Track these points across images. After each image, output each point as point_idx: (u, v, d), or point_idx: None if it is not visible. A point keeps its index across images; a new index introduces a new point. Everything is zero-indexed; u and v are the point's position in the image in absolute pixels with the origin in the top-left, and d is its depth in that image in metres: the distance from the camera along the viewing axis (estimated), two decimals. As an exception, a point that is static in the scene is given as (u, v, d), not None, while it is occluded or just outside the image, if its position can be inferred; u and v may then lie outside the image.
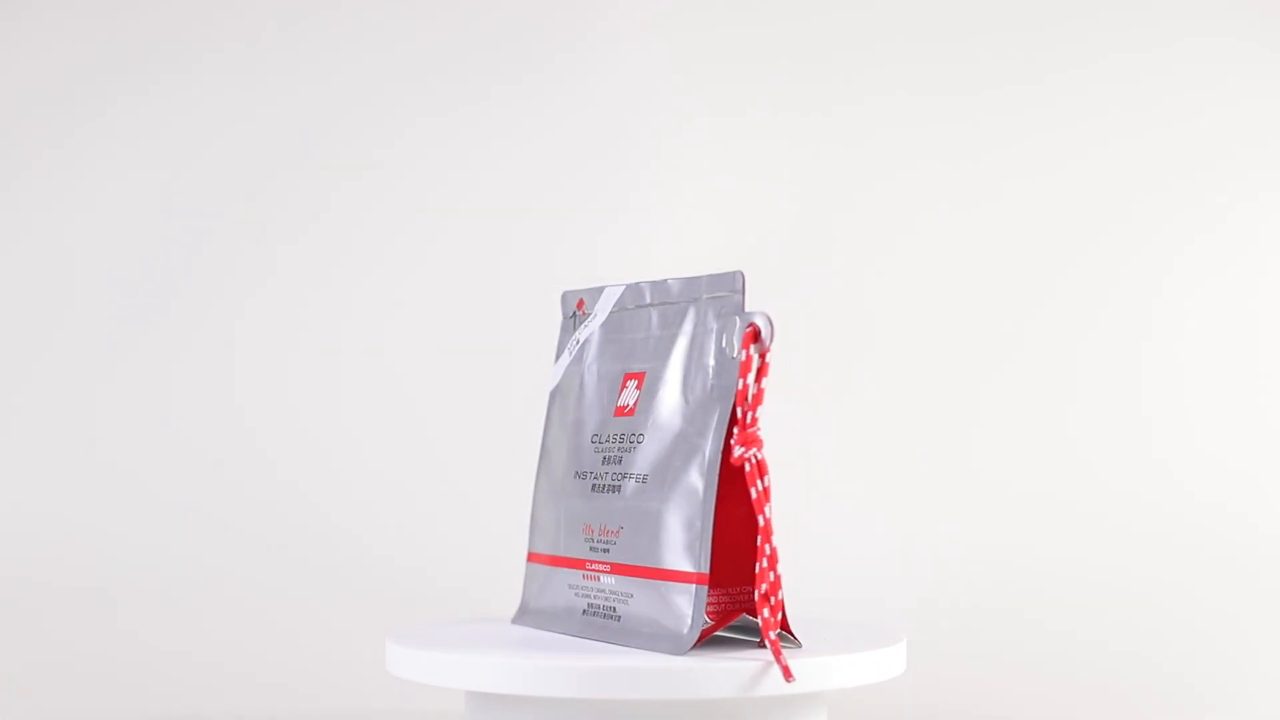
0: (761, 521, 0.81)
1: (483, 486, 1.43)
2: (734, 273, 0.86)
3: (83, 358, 1.51)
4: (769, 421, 1.49)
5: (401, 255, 1.52)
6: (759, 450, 0.81)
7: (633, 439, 0.88)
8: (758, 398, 0.81)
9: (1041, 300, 1.48)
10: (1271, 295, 1.47)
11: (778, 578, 0.80)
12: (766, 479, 0.81)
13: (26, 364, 1.51)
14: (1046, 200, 1.49)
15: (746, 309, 0.83)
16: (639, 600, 0.86)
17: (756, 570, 0.81)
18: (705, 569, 0.83)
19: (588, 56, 1.54)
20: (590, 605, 0.89)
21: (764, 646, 0.84)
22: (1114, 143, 1.50)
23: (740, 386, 0.82)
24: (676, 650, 0.83)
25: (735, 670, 0.80)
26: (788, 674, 0.78)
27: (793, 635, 0.84)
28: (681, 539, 0.84)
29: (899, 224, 1.50)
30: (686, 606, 0.83)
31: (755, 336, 0.82)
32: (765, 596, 0.80)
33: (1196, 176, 1.50)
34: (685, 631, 0.83)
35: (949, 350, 1.48)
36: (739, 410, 0.82)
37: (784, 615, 0.83)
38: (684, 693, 0.79)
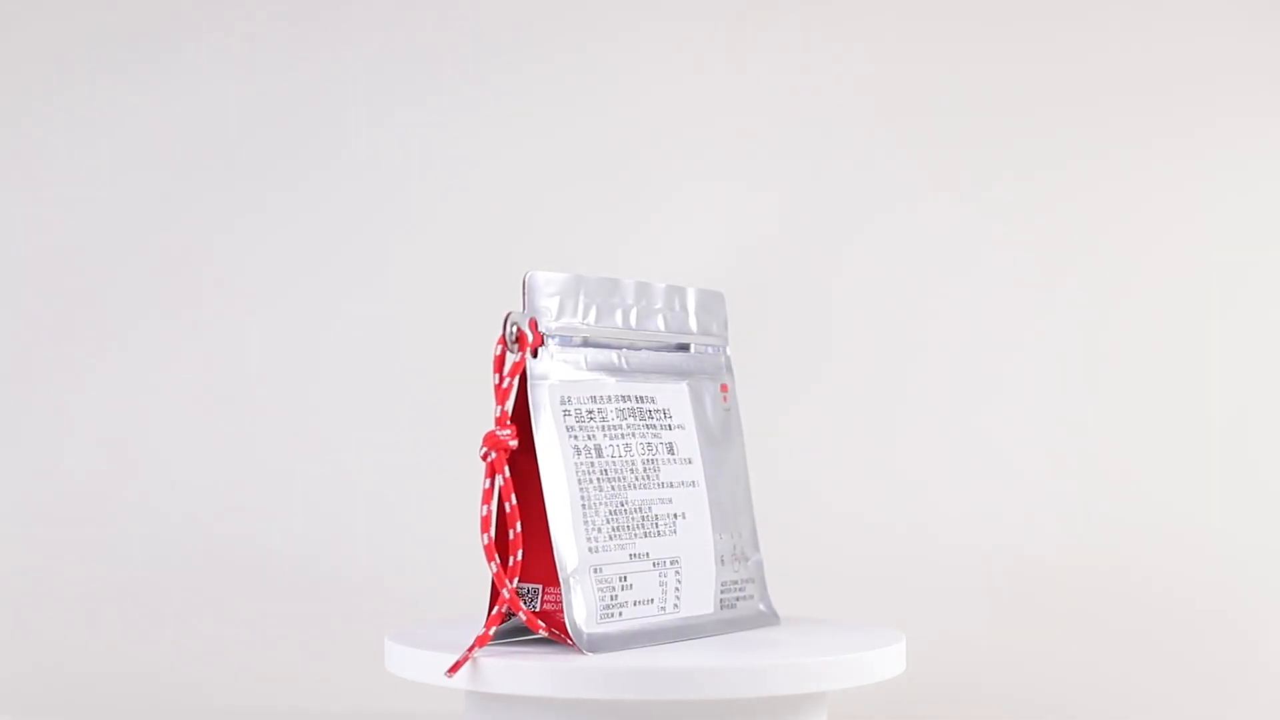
0: (478, 517, 0.82)
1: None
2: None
3: (50, 361, 1.50)
4: (765, 418, 1.49)
5: (410, 246, 1.51)
6: (495, 450, 0.83)
7: None
8: (504, 394, 0.83)
9: (1044, 299, 1.48)
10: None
11: (494, 575, 0.82)
12: (499, 478, 0.83)
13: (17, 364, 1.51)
14: (1045, 204, 1.49)
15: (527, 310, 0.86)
16: None
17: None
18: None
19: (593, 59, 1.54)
20: None
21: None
22: (1125, 167, 1.50)
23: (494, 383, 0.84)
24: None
25: (735, 671, 0.80)
26: (452, 669, 0.79)
27: (563, 633, 0.83)
28: None
29: (898, 225, 1.50)
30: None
31: (505, 337, 0.84)
32: (497, 593, 0.82)
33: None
34: None
35: (947, 349, 1.48)
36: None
37: (545, 610, 0.84)
38: (684, 693, 0.79)
